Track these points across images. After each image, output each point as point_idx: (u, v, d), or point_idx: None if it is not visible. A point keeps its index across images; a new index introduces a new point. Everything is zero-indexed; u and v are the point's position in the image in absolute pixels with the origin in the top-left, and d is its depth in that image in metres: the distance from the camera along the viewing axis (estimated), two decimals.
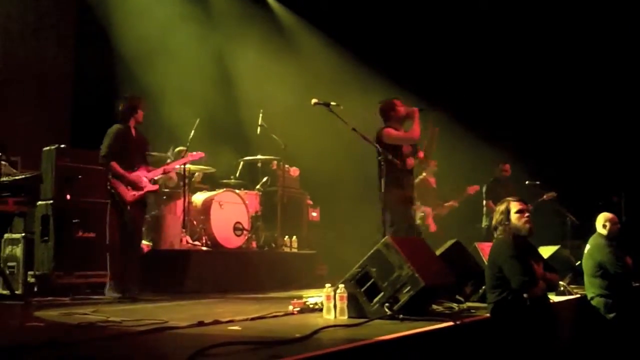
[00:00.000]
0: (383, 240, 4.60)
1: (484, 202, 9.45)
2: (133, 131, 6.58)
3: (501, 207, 4.81)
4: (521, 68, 10.36)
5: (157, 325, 3.98)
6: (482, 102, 10.43)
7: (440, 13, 10.56)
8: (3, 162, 6.26)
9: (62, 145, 6.93)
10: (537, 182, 9.55)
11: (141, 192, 6.46)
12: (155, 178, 6.72)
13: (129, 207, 6.37)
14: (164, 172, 6.97)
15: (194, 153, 7.23)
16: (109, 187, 6.39)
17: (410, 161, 6.24)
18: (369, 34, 10.62)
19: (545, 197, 9.45)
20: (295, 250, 8.80)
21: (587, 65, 10.26)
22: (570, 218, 9.40)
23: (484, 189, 9.53)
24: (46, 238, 6.69)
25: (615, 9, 9.98)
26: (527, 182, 9.60)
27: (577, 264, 7.03)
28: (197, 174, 8.34)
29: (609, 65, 10.20)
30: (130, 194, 6.39)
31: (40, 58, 8.91)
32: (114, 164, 6.35)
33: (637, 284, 6.81)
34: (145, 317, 4.38)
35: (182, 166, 7.55)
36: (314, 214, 9.76)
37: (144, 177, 6.51)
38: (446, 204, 9.39)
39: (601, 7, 9.99)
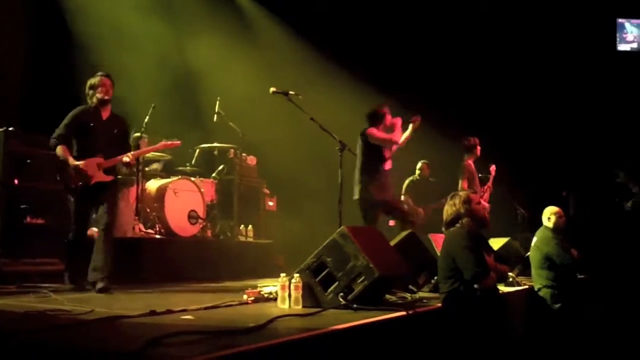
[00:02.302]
0: (339, 230, 4.62)
1: (402, 197, 9.65)
2: (103, 113, 5.92)
3: (461, 199, 4.87)
4: (476, 64, 10.51)
5: (107, 314, 3.91)
6: (438, 96, 10.55)
7: (403, 4, 10.64)
8: None
9: (11, 128, 6.75)
10: (433, 180, 9.95)
11: (87, 182, 5.76)
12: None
13: (72, 197, 5.84)
14: (126, 162, 6.05)
15: (170, 142, 6.58)
16: (57, 173, 5.93)
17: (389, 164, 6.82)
18: (330, 25, 10.61)
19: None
20: (251, 240, 8.77)
21: (541, 64, 10.49)
22: (520, 210, 9.61)
23: (404, 184, 9.76)
24: None
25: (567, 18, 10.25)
26: (431, 179, 9.95)
27: (526, 255, 7.19)
28: (155, 164, 8.22)
29: (562, 64, 10.45)
30: (74, 181, 5.79)
31: None
32: (60, 147, 5.79)
33: (582, 276, 7.00)
34: (97, 306, 4.31)
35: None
36: (271, 204, 9.73)
37: (97, 164, 5.81)
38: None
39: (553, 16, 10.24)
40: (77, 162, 5.77)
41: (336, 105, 9.45)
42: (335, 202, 5.83)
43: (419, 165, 9.88)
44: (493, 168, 8.50)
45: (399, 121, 6.83)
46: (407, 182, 9.74)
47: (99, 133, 5.87)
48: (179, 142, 6.65)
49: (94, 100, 5.91)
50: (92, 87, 5.93)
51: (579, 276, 6.91)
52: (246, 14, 11.23)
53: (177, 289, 6.16)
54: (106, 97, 5.90)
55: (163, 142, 6.52)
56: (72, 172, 5.75)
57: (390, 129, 6.80)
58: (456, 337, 4.51)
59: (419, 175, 9.86)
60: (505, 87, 10.56)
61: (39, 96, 8.65)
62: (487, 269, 4.66)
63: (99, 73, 6.02)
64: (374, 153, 6.69)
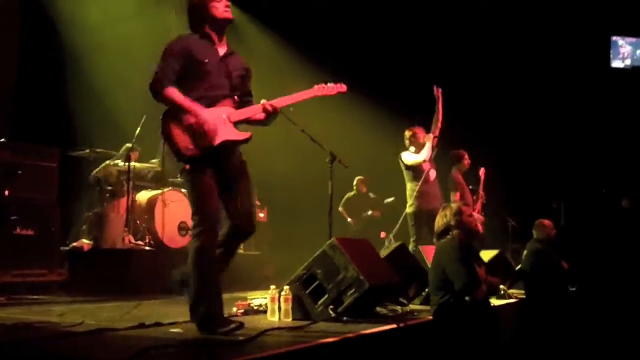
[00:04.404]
0: (329, 242, 4.62)
1: (340, 208, 9.84)
2: (220, 47, 4.00)
3: (453, 210, 4.87)
4: (470, 78, 10.56)
5: (96, 326, 3.89)
6: (430, 107, 10.57)
7: (394, 11, 10.70)
8: None
9: (2, 140, 6.73)
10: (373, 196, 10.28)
11: (210, 141, 3.78)
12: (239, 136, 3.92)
13: (187, 167, 3.81)
14: (268, 112, 3.99)
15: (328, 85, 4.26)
16: (163, 135, 3.89)
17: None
18: (321, 34, 10.65)
19: (385, 201, 10.10)
20: (242, 252, 8.73)
21: (535, 79, 10.57)
22: (511, 222, 9.64)
23: (343, 200, 9.95)
24: None
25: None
26: (371, 195, 10.30)
27: (517, 268, 7.20)
28: (150, 173, 8.20)
29: (556, 80, 10.54)
30: (189, 145, 3.79)
31: None
32: (171, 89, 3.81)
33: (574, 289, 7.02)
34: (86, 318, 4.28)
35: (126, 164, 7.42)
36: (262, 215, 9.71)
37: (224, 116, 3.87)
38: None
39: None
40: (206, 111, 3.82)
41: (327, 116, 9.47)
42: (325, 214, 5.83)
43: (355, 182, 10.13)
44: (482, 171, 8.39)
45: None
46: (345, 198, 9.99)
47: (217, 75, 3.94)
48: (344, 86, 4.34)
49: (208, 21, 3.94)
50: (202, 4, 3.95)
51: (570, 288, 6.93)
52: (236, 23, 11.23)
53: (167, 301, 6.12)
54: (229, 16, 3.96)
55: (319, 86, 4.26)
56: (192, 128, 3.79)
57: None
58: (447, 350, 4.50)
59: (356, 191, 10.17)
60: (500, 100, 10.62)
61: (31, 107, 8.64)
62: (478, 281, 4.66)
63: None
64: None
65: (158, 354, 2.96)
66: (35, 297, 6.16)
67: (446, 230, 4.87)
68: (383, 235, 9.80)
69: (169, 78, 3.83)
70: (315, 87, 4.23)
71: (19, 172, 6.63)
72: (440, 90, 7.26)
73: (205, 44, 3.94)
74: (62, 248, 7.10)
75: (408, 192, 7.28)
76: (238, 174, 3.99)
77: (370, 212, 10.19)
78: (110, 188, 7.66)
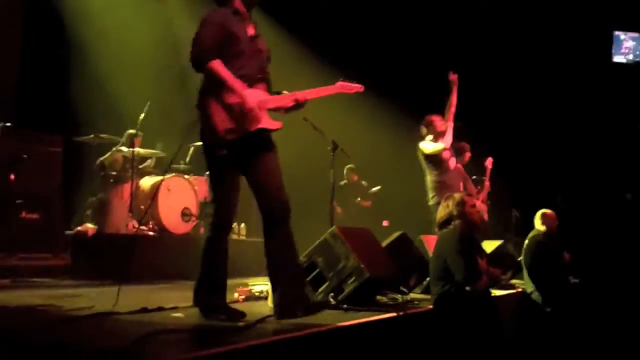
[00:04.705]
0: (330, 230, 4.64)
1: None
2: (249, 26, 3.86)
3: (455, 200, 4.86)
4: (472, 71, 10.52)
5: (99, 310, 3.92)
6: (436, 103, 10.57)
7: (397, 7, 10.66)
8: None
9: (8, 124, 6.76)
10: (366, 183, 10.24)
11: (247, 127, 3.68)
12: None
13: (224, 151, 3.70)
14: (297, 102, 3.90)
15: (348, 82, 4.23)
16: (200, 113, 3.77)
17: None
18: (324, 24, 10.61)
19: (372, 190, 10.12)
20: (244, 238, 8.77)
21: (536, 73, 10.55)
22: (515, 213, 9.63)
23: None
24: None
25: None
26: (363, 183, 10.22)
27: (519, 259, 7.22)
28: (148, 161, 8.21)
29: (557, 74, 10.51)
30: (227, 126, 3.65)
31: None
32: (217, 63, 3.63)
33: (575, 280, 7.04)
34: (89, 302, 4.32)
35: (131, 150, 7.45)
36: None
37: (259, 101, 3.73)
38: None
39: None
40: (245, 90, 3.67)
41: (327, 105, 9.45)
42: (326, 202, 5.85)
43: (344, 171, 10.11)
44: (489, 160, 8.27)
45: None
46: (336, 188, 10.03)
47: (248, 55, 3.77)
48: (362, 87, 4.30)
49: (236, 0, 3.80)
50: None
51: (572, 280, 6.94)
52: None
53: (169, 286, 6.17)
54: None
55: (342, 83, 4.20)
56: (232, 108, 3.66)
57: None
58: (447, 339, 4.52)
59: (346, 180, 10.17)
60: (501, 94, 10.60)
61: (35, 93, 8.65)
62: (479, 272, 4.67)
63: None
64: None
65: (159, 339, 2.99)
66: (39, 280, 6.21)
67: (448, 220, 4.87)
68: (385, 223, 9.83)
69: (213, 49, 3.62)
70: (338, 83, 4.16)
71: (24, 157, 6.67)
72: (457, 76, 7.06)
73: (237, 20, 3.77)
74: (66, 232, 7.15)
75: (428, 184, 6.95)
76: (264, 155, 3.87)
77: (358, 200, 10.15)
78: (114, 173, 7.68)
